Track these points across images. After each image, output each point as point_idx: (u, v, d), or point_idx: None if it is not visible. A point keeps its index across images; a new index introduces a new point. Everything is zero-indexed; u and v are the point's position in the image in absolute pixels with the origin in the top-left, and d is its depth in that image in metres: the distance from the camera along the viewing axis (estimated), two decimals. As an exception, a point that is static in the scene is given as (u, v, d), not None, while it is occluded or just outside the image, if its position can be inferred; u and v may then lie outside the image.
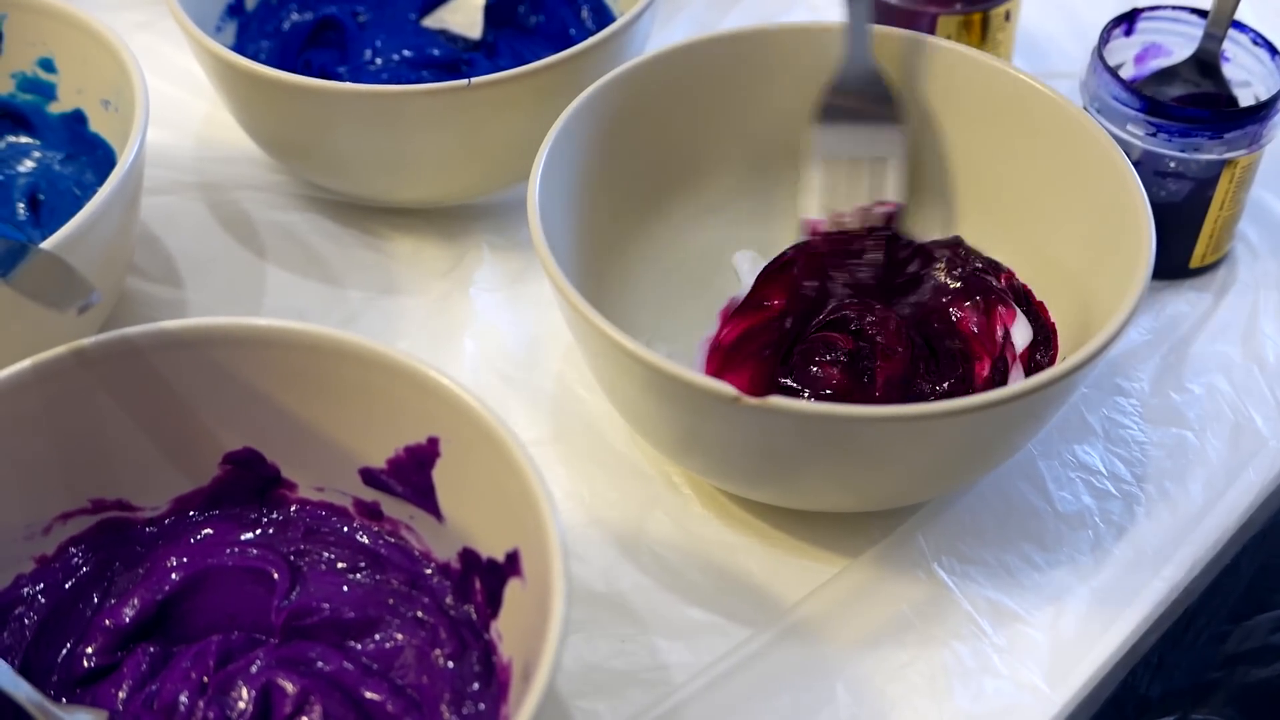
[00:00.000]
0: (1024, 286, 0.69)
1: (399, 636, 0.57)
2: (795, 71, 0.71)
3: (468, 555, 0.57)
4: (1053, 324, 0.67)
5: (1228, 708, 0.67)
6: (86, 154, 0.76)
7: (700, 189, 0.74)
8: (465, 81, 0.68)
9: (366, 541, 0.60)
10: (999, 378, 0.66)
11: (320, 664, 0.56)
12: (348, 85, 0.70)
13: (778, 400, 0.55)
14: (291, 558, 0.60)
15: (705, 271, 0.73)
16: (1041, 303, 0.68)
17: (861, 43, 0.69)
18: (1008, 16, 0.80)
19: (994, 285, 0.68)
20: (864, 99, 0.69)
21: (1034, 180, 0.68)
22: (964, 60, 0.69)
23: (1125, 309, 0.58)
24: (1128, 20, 0.75)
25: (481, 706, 0.55)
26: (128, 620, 0.57)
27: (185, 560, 0.59)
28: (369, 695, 0.55)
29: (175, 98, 0.86)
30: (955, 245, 0.70)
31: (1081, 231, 0.66)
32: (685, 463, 0.64)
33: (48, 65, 0.75)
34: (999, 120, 0.69)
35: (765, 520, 0.65)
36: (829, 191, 0.70)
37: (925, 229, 0.72)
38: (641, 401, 0.60)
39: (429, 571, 0.59)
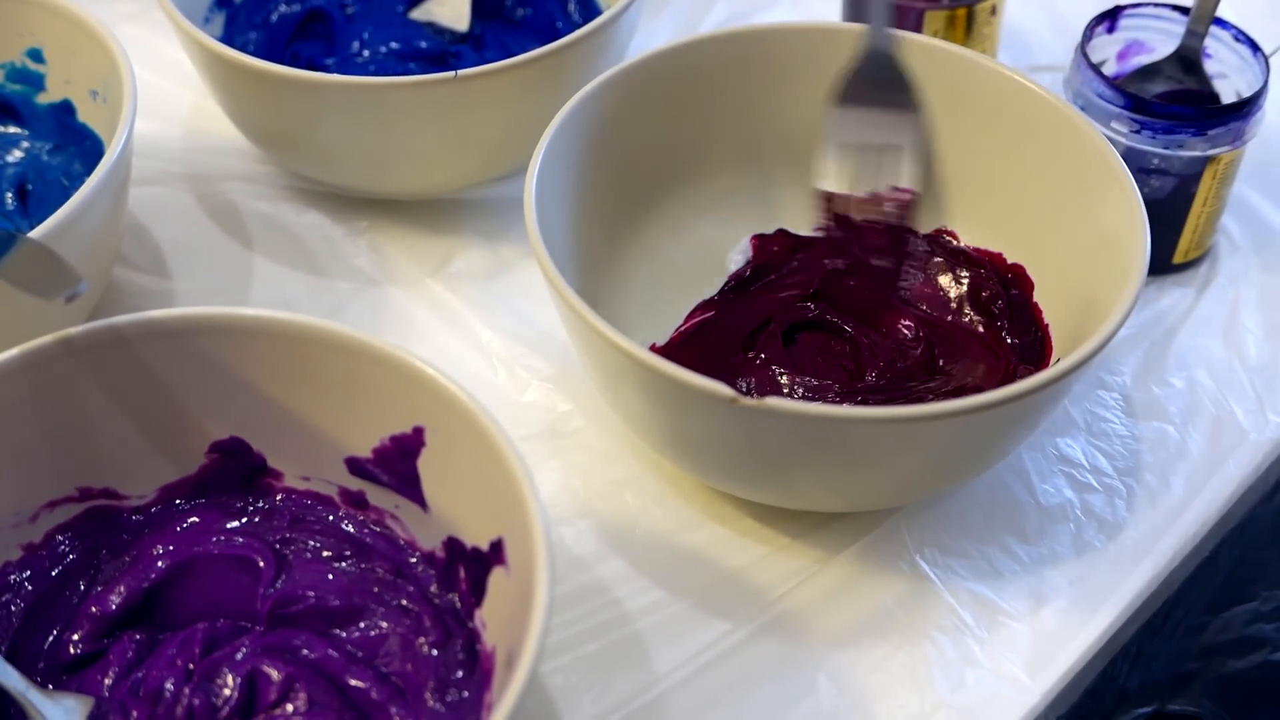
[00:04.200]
0: (1025, 297, 0.69)
1: (384, 624, 0.57)
2: (793, 70, 0.71)
3: (452, 544, 0.58)
4: (1046, 324, 0.67)
5: (1204, 698, 0.68)
6: (75, 144, 0.76)
7: (696, 187, 0.73)
8: (452, 74, 0.68)
9: (352, 530, 0.60)
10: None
11: (305, 651, 0.56)
12: (335, 77, 0.70)
13: (775, 401, 0.55)
14: (277, 546, 0.60)
15: (700, 269, 0.73)
16: (1036, 303, 0.68)
17: (881, 26, 0.67)
18: (993, 11, 0.80)
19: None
20: (880, 86, 0.68)
21: (1027, 179, 0.69)
22: (955, 59, 0.69)
23: (1121, 310, 0.58)
24: (1110, 17, 0.75)
25: (465, 694, 0.55)
26: (114, 608, 0.58)
27: (171, 548, 0.59)
28: (353, 683, 0.55)
29: (163, 89, 0.86)
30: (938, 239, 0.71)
31: (1074, 231, 0.66)
32: (677, 460, 0.64)
33: (36, 56, 0.75)
34: (991, 119, 0.69)
35: (752, 514, 0.65)
36: (843, 176, 0.68)
37: (918, 227, 0.73)
38: (635, 399, 0.60)
39: (414, 560, 0.59)
